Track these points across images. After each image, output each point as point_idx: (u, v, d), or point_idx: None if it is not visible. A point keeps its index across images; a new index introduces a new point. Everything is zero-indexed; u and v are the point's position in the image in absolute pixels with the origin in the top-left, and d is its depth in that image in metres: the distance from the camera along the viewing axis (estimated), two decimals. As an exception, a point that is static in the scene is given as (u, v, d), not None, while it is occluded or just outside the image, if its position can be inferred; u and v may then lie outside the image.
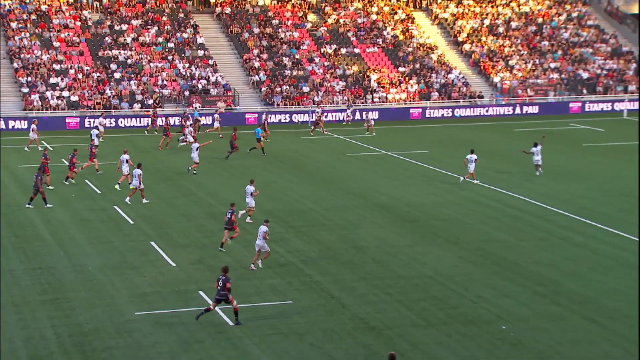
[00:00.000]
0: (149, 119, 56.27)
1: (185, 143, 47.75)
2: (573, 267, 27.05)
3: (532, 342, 21.31)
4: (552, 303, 23.95)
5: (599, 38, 72.18)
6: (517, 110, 63.08)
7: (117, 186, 38.47)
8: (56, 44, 65.04)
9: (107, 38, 66.29)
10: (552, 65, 68.44)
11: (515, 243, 29.82)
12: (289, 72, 65.41)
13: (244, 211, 32.13)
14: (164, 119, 51.91)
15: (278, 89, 63.23)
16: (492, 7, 74.57)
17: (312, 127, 54.42)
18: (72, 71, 62.59)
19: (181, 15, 70.47)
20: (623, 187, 38.35)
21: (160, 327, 22.42)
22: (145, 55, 65.32)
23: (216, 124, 53.80)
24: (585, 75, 67.52)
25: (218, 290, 22.60)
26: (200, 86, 62.80)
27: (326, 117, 58.96)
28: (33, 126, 49.66)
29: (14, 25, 65.33)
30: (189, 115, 53.53)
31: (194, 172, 41.43)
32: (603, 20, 75.02)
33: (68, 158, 39.56)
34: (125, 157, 38.58)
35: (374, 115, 59.83)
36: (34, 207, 34.84)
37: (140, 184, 35.73)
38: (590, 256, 28.19)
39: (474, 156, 38.48)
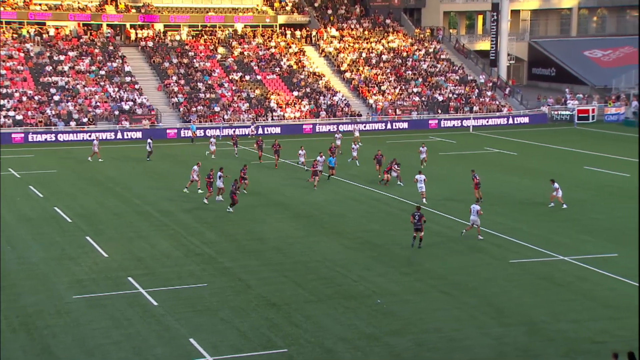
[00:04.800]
0: (255, 144, 48.58)
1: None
2: (431, 251, 27.63)
3: (400, 311, 21.71)
4: (415, 280, 24.43)
5: (450, 69, 74.13)
6: (389, 126, 64.14)
7: (185, 190, 37.33)
8: (3, 71, 62.45)
9: (47, 67, 64.18)
10: (415, 90, 69.92)
11: (387, 232, 30.26)
12: (203, 94, 64.71)
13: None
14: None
15: (194, 109, 62.48)
16: (367, 43, 75.62)
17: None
18: (17, 94, 60.30)
19: (111, 47, 68.80)
20: (471, 186, 39.25)
21: (95, 308, 21.82)
22: (80, 81, 63.53)
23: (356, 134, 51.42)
24: (440, 98, 69.24)
25: (415, 222, 27.23)
26: (127, 107, 61.46)
27: (234, 131, 58.57)
28: (95, 142, 48.34)
29: (-35, 54, 62.35)
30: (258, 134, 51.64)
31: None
32: (453, 55, 77.07)
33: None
34: (196, 167, 37.36)
35: (277, 130, 60.16)
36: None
37: (220, 183, 35.02)
38: (445, 242, 28.81)
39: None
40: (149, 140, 48.67)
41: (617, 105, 68.40)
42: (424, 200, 34.81)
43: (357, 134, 55.39)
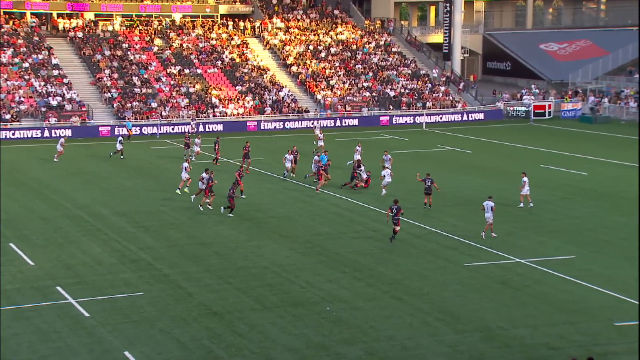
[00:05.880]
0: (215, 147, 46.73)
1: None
2: (383, 254, 27.89)
3: (351, 319, 21.83)
4: (367, 285, 24.60)
5: (402, 63, 74.89)
6: (338, 123, 64.37)
7: (177, 191, 36.99)
8: None
9: (-35, 57, 62.62)
10: (365, 84, 70.40)
11: (337, 236, 30.40)
12: (139, 89, 63.93)
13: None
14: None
15: (129, 105, 61.66)
16: (314, 35, 75.83)
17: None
18: None
19: (36, 38, 67.43)
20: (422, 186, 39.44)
21: (20, 320, 21.37)
22: (2, 74, 62.05)
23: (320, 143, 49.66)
24: (391, 93, 69.88)
25: (392, 216, 28.42)
26: (55, 102, 60.29)
27: (173, 129, 58.04)
28: (62, 140, 47.64)
29: None
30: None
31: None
32: (405, 47, 77.88)
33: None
34: (186, 165, 37.41)
35: (219, 127, 59.94)
36: None
37: (203, 185, 34.07)
38: (397, 245, 29.03)
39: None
40: (119, 139, 48.31)
41: (574, 101, 70.09)
42: (384, 191, 36.33)
43: (317, 131, 54.02)
